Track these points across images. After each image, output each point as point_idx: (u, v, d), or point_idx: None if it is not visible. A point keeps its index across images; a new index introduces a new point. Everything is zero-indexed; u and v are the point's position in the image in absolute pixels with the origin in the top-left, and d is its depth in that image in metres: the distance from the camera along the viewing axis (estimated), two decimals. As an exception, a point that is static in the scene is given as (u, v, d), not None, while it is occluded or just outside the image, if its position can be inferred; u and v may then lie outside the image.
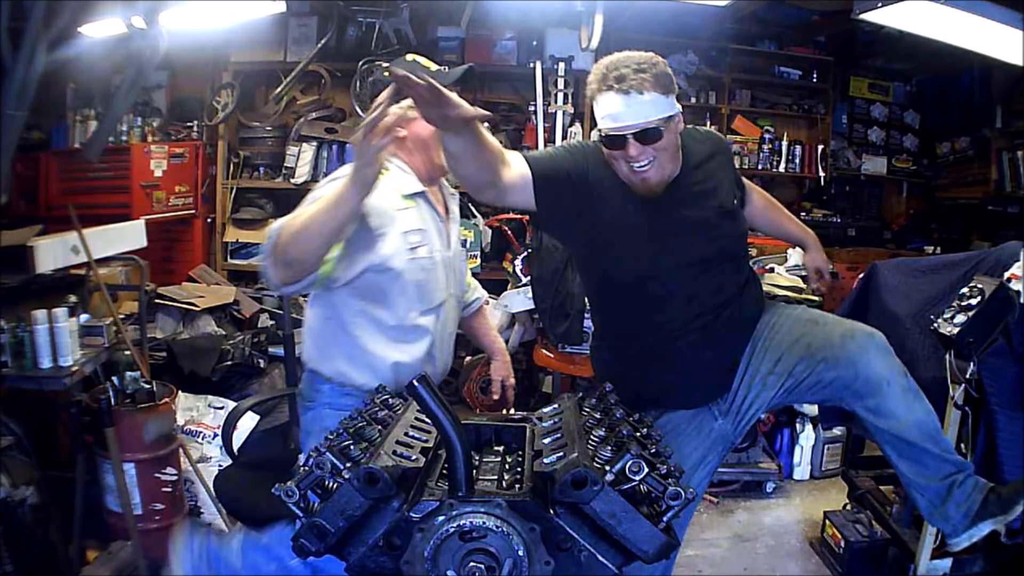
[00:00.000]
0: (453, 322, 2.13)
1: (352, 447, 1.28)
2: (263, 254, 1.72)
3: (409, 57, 2.04)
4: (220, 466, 3.04)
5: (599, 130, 1.82)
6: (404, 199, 1.95)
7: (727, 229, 1.92)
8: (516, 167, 1.76)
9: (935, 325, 2.55)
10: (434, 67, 2.01)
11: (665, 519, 1.19)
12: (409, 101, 1.76)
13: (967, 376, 2.45)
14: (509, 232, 4.15)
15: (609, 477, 1.16)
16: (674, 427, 1.94)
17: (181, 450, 3.12)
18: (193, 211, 4.88)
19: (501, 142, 5.79)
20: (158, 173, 4.61)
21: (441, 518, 1.16)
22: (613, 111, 1.76)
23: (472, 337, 2.50)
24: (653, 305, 1.90)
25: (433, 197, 2.05)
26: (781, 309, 2.03)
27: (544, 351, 3.75)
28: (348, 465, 1.21)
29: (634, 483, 1.17)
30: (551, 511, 1.18)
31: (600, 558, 1.18)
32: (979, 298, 2.29)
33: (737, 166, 6.58)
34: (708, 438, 1.96)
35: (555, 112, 4.96)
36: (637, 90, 1.72)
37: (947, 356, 2.52)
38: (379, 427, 1.38)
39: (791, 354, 1.89)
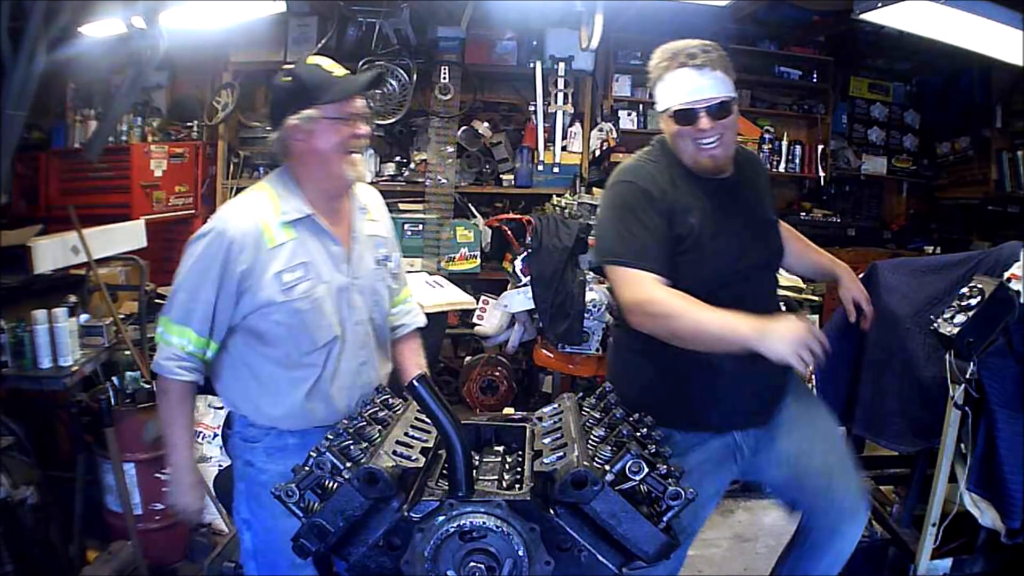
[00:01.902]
0: (364, 351, 1.93)
1: (352, 447, 1.28)
2: None
3: (311, 60, 1.85)
4: (220, 466, 3.04)
5: (665, 111, 1.86)
6: (282, 229, 1.79)
7: (774, 239, 2.00)
8: (663, 285, 1.79)
9: (935, 325, 2.55)
10: (339, 71, 1.83)
11: (665, 519, 1.19)
12: (316, 112, 1.75)
13: (967, 376, 2.45)
14: (509, 232, 4.15)
15: (609, 477, 1.16)
16: (705, 458, 1.94)
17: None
18: (193, 211, 4.88)
19: (501, 142, 5.75)
20: (158, 173, 4.61)
21: (441, 518, 1.16)
22: (686, 86, 1.80)
23: (395, 363, 2.13)
24: (733, 307, 1.80)
25: (327, 219, 1.86)
26: (818, 424, 2.09)
27: (544, 351, 3.75)
28: (348, 465, 1.21)
29: (634, 483, 1.17)
30: (551, 511, 1.18)
31: (600, 558, 1.18)
32: (979, 298, 2.28)
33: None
34: (725, 474, 2.02)
35: (555, 112, 4.96)
36: (710, 66, 1.78)
37: (947, 356, 2.51)
38: (379, 427, 1.38)
39: (804, 486, 2.03)
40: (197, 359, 1.80)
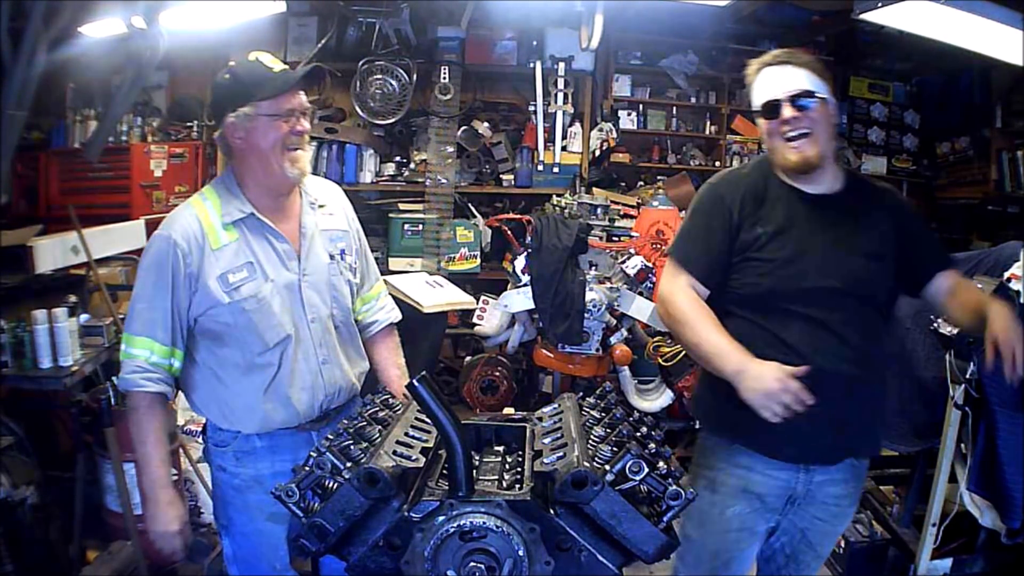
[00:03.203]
0: (323, 349, 1.90)
1: (352, 447, 1.28)
2: None
3: (252, 56, 1.82)
4: (220, 466, 3.04)
5: (757, 112, 1.90)
6: (225, 231, 1.80)
7: (869, 271, 1.85)
8: (692, 290, 1.88)
9: (935, 325, 2.55)
10: (278, 66, 1.80)
11: (665, 519, 1.19)
12: (252, 108, 1.74)
13: (967, 376, 2.45)
14: (509, 232, 4.15)
15: (609, 477, 1.16)
16: (760, 494, 1.91)
17: (181, 450, 3.13)
18: (193, 211, 4.88)
19: (501, 142, 5.72)
20: (158, 173, 4.60)
21: (441, 518, 1.16)
22: (771, 82, 1.86)
23: (373, 364, 2.12)
24: (807, 328, 1.81)
25: (271, 216, 1.85)
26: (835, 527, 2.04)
27: (544, 351, 3.75)
28: (348, 465, 1.21)
29: (634, 483, 1.17)
30: (551, 511, 1.18)
31: (600, 558, 1.18)
32: (979, 298, 2.28)
33: (737, 166, 6.44)
34: (768, 518, 1.95)
35: (555, 112, 4.96)
36: (794, 64, 1.84)
37: (947, 356, 2.52)
38: (379, 427, 1.38)
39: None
40: (163, 370, 1.80)
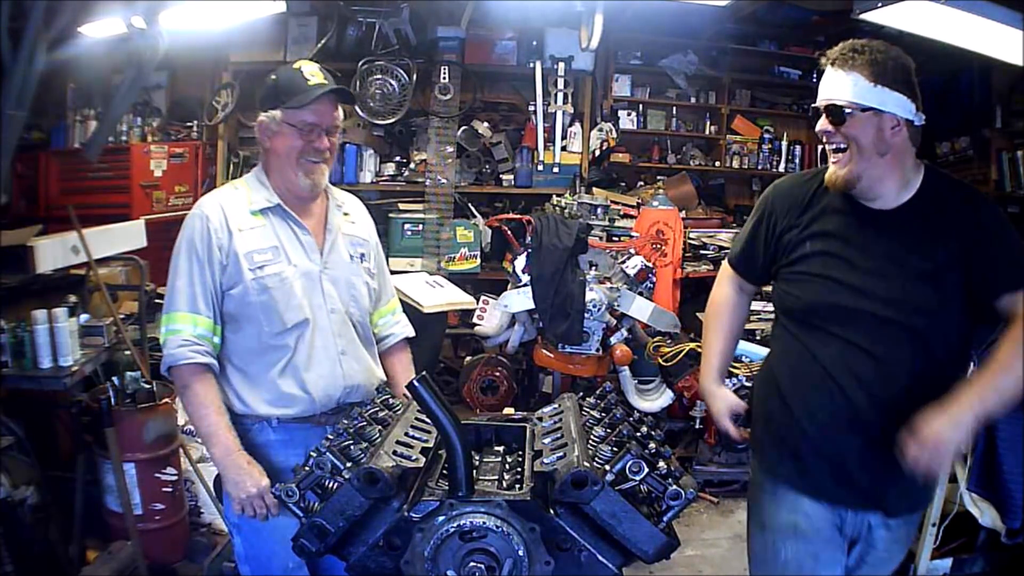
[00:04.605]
0: (342, 340, 1.92)
1: (352, 447, 1.28)
2: None
3: (298, 64, 1.87)
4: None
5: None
6: (252, 216, 1.87)
7: (928, 297, 1.63)
8: (732, 283, 2.01)
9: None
10: (316, 79, 1.82)
11: (665, 519, 1.19)
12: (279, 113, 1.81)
13: (967, 376, 2.44)
14: (509, 232, 4.15)
15: (609, 477, 1.16)
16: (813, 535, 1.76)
17: (181, 450, 3.12)
18: (193, 211, 4.88)
19: (501, 142, 5.70)
20: (158, 173, 4.61)
21: (441, 518, 1.16)
22: (823, 83, 1.70)
23: (387, 376, 2.11)
24: (845, 354, 1.68)
25: (296, 208, 1.91)
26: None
27: (544, 351, 3.75)
28: (348, 465, 1.21)
29: (634, 483, 1.17)
30: (551, 511, 1.18)
31: (600, 558, 1.18)
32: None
33: (737, 167, 6.36)
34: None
35: (555, 112, 4.96)
36: (842, 67, 1.65)
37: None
38: (379, 427, 1.38)
39: None
40: (208, 343, 1.82)
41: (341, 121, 1.94)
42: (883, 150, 1.64)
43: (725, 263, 2.02)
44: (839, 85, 1.64)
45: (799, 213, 1.78)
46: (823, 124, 1.68)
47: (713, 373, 1.94)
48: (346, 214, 2.03)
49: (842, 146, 1.66)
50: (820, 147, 5.73)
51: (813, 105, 1.71)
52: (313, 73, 1.84)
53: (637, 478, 1.17)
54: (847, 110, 1.63)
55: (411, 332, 2.21)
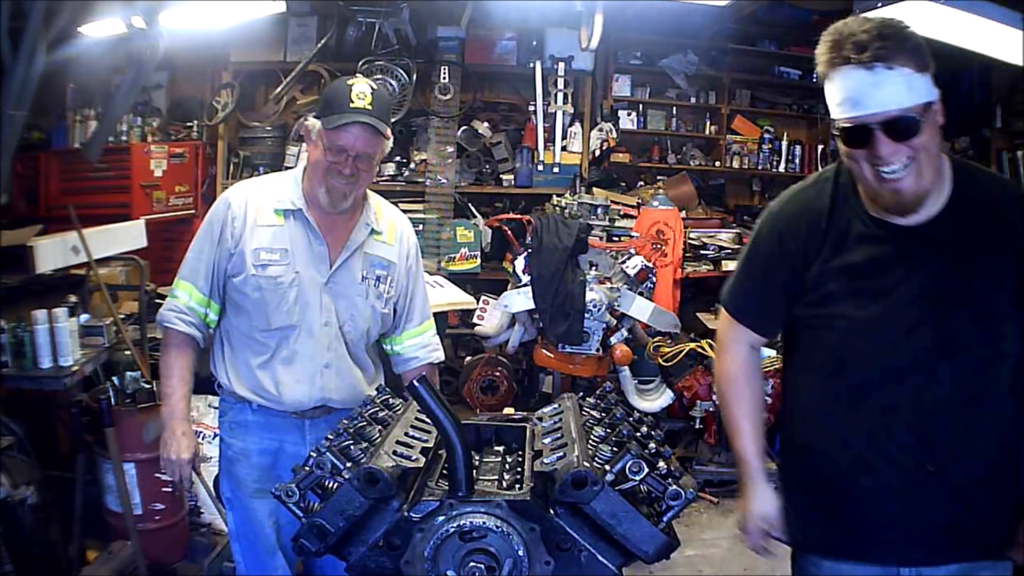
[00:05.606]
0: (330, 353, 1.92)
1: (352, 447, 1.28)
2: None
3: (352, 79, 1.83)
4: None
5: (833, 122, 1.37)
6: (274, 214, 1.90)
7: (984, 329, 1.38)
8: (739, 339, 1.62)
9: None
10: (360, 101, 1.78)
11: (665, 519, 1.19)
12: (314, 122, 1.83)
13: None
14: (509, 232, 4.15)
15: (609, 477, 1.16)
16: None
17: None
18: (193, 211, 4.88)
19: (501, 142, 5.71)
20: (158, 173, 4.61)
21: (441, 518, 1.16)
22: (852, 93, 1.30)
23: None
24: (887, 412, 1.41)
25: (318, 216, 1.90)
26: None
27: (544, 351, 3.75)
28: (348, 465, 1.21)
29: (634, 483, 1.17)
30: (551, 511, 1.18)
31: (600, 558, 1.18)
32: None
33: (737, 167, 6.37)
34: None
35: (555, 112, 4.96)
36: (884, 62, 1.27)
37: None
38: (379, 427, 1.38)
39: None
40: (197, 316, 1.92)
41: (380, 150, 1.87)
42: (939, 143, 1.38)
43: (724, 317, 1.63)
44: (894, 88, 1.29)
45: (825, 245, 1.45)
46: (888, 147, 1.29)
47: (754, 462, 1.56)
48: (378, 233, 1.98)
49: (906, 163, 1.32)
50: (820, 147, 5.82)
51: (844, 122, 1.33)
52: (361, 95, 1.79)
53: (637, 478, 1.16)
54: (918, 118, 1.31)
55: (440, 357, 2.18)
